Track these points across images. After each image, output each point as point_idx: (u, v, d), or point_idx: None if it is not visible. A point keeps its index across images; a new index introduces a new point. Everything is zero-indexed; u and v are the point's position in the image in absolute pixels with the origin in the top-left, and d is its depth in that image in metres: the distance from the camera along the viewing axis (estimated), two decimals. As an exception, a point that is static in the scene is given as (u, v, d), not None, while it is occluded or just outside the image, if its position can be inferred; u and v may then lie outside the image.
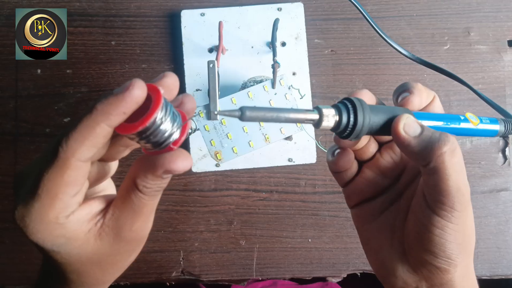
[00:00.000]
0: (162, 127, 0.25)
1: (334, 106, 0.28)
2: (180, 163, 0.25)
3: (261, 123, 0.50)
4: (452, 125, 0.32)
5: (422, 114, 0.31)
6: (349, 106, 0.28)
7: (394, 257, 0.32)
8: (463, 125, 0.33)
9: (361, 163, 0.35)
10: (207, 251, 0.60)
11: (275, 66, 0.49)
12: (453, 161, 0.27)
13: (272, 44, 0.51)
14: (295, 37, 0.61)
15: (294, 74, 0.61)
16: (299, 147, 0.60)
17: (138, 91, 0.24)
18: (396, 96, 0.33)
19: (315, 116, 0.27)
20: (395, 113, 0.30)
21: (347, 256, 0.61)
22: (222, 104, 0.50)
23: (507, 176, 0.62)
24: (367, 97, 0.31)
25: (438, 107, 0.33)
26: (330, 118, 0.27)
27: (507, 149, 0.62)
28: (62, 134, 0.25)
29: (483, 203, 0.62)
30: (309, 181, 0.61)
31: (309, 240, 0.61)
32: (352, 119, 0.28)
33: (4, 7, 0.62)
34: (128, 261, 0.30)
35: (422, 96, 0.31)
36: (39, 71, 0.61)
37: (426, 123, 0.31)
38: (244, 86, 0.57)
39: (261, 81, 0.56)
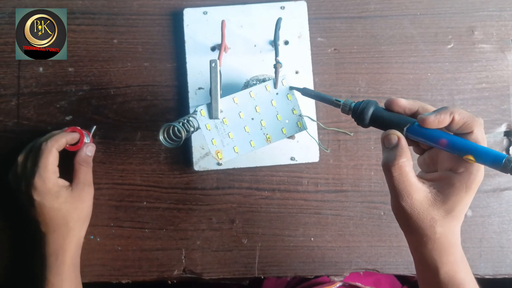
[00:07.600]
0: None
1: (355, 102, 0.42)
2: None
3: (262, 122, 0.50)
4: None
5: (422, 130, 0.38)
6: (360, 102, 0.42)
7: None
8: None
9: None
10: (209, 250, 0.60)
11: (277, 66, 0.48)
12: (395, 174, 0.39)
13: (274, 44, 0.51)
14: (298, 36, 0.61)
15: (297, 72, 0.60)
16: (301, 146, 0.60)
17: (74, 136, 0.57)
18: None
19: (339, 103, 0.44)
20: (395, 119, 0.40)
21: (350, 254, 0.61)
22: (224, 103, 0.50)
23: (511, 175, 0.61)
24: (401, 103, 0.40)
25: (478, 136, 0.38)
26: (346, 105, 0.43)
27: (511, 148, 0.61)
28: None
29: (487, 202, 0.61)
30: (311, 179, 0.61)
31: (312, 238, 0.61)
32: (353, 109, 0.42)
33: (6, 5, 0.62)
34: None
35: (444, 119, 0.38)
36: (41, 69, 0.61)
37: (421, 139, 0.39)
38: (247, 84, 0.57)
39: (264, 80, 0.56)
